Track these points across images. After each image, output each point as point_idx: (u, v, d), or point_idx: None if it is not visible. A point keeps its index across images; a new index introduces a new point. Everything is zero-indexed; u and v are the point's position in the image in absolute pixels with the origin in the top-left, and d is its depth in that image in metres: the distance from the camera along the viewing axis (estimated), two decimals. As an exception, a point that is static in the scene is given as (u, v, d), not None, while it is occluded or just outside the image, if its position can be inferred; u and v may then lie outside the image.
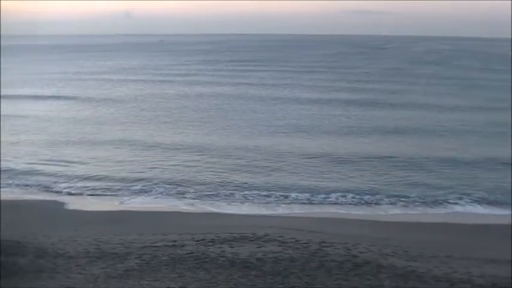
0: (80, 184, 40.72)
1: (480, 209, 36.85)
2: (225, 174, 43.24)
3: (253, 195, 38.28)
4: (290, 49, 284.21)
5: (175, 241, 25.73)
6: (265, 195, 38.21)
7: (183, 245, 25.00)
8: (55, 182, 40.98)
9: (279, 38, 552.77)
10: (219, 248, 24.82)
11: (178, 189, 39.69)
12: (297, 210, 36.20)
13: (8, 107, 72.84)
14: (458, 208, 36.99)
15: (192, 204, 36.98)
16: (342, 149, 51.43)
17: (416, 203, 37.45)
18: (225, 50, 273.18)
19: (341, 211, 36.17)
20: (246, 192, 38.79)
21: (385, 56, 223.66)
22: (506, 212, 36.27)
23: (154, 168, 45.02)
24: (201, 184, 40.75)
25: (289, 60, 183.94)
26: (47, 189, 39.79)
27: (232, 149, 51.12)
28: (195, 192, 39.10)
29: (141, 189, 39.60)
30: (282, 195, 38.26)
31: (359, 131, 60.05)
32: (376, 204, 37.34)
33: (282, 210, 36.14)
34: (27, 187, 40.23)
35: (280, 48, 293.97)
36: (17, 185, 40.45)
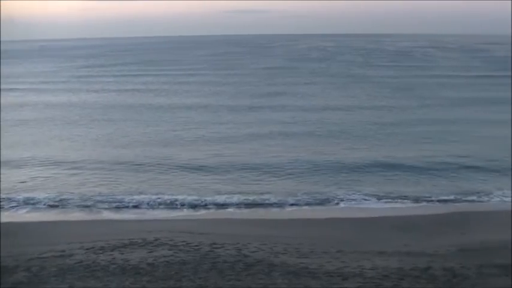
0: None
1: (369, 203, 37.51)
2: (111, 180, 42.59)
3: (142, 200, 37.80)
4: (177, 51, 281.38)
5: (63, 251, 25.14)
6: (153, 200, 37.79)
7: (71, 255, 24.47)
8: None
9: (165, 40, 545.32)
10: (109, 255, 24.42)
11: (63, 197, 38.78)
12: (186, 213, 36.00)
13: None
14: (347, 203, 37.62)
15: (80, 212, 36.26)
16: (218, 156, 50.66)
17: (306, 199, 37.85)
18: (109, 53, 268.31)
19: (230, 211, 36.22)
20: (134, 197, 38.27)
21: (271, 54, 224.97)
22: (395, 205, 37.23)
23: (36, 178, 43.83)
24: (87, 192, 39.95)
25: (174, 63, 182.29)
26: None
27: (114, 157, 50.10)
28: (82, 200, 38.32)
29: (25, 200, 38.41)
30: (170, 199, 37.91)
31: (238, 137, 59.31)
32: (264, 203, 37.45)
33: (171, 213, 35.88)
34: None
35: (166, 50, 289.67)
36: None
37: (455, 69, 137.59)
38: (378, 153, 50.34)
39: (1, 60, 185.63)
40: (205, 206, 37.09)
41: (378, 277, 22.79)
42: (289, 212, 36.06)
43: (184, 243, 26.50)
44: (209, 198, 38.23)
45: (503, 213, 35.43)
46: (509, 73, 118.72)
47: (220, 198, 38.16)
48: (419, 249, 27.26)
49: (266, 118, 69.94)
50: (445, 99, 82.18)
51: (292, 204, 37.19)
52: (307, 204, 37.45)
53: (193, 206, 37.01)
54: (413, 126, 62.29)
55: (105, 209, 36.90)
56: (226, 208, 36.98)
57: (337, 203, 37.66)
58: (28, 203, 37.82)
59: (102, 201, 37.88)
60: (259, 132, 61.64)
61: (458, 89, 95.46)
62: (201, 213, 36.10)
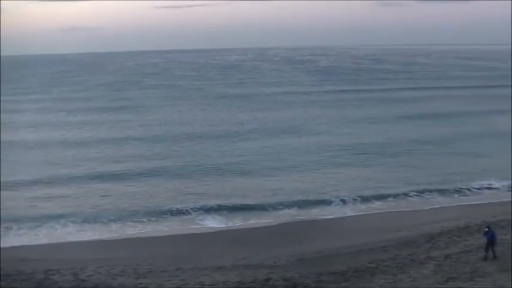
0: None
1: (208, 220, 37.37)
2: None
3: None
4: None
5: None
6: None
7: None
8: None
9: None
10: None
11: None
12: (18, 239, 34.14)
13: None
14: (186, 220, 37.53)
15: None
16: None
17: (143, 219, 37.32)
18: None
19: (65, 235, 34.93)
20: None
21: (105, 72, 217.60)
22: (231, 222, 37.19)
23: None
24: None
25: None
26: None
27: None
28: None
29: None
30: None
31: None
32: (102, 223, 36.57)
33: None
34: None
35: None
36: None
37: (288, 84, 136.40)
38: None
39: None
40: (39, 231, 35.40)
41: (219, 292, 22.90)
42: (126, 232, 35.27)
43: (16, 271, 25.52)
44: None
45: (337, 221, 36.82)
46: (339, 87, 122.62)
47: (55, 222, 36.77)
48: (258, 262, 27.62)
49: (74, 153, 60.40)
50: (279, 121, 78.85)
51: (131, 225, 36.40)
52: (142, 223, 36.84)
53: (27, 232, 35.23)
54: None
55: None
56: (61, 231, 35.49)
57: (175, 219, 37.40)
58: None
59: None
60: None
61: (290, 105, 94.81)
62: (34, 237, 34.47)
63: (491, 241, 25.48)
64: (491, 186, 43.87)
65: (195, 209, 38.80)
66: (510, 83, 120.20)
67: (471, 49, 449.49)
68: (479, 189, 43.33)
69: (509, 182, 44.43)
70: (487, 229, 26.15)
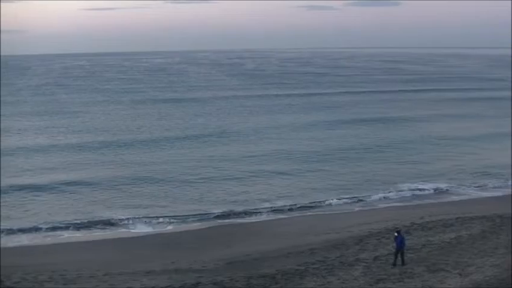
0: None
1: (137, 225, 36.87)
2: None
3: None
4: None
5: None
6: None
7: None
8: None
9: None
10: None
11: None
12: None
13: None
14: (115, 225, 36.86)
15: None
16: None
17: (71, 224, 36.61)
18: None
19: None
20: None
21: (30, 75, 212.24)
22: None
23: None
24: None
25: None
26: None
27: None
28: None
29: None
30: None
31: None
32: (30, 230, 35.72)
33: None
34: None
35: None
36: None
37: (216, 88, 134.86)
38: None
39: None
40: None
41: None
42: (54, 237, 34.65)
43: None
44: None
45: (265, 224, 36.88)
46: (266, 91, 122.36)
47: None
48: (187, 266, 27.53)
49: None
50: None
51: (60, 230, 35.76)
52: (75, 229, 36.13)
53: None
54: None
55: None
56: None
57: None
58: None
59: None
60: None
61: (218, 109, 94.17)
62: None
63: (399, 246, 25.84)
64: (418, 188, 44.51)
65: (124, 215, 38.04)
66: (430, 87, 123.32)
67: (398, 52, 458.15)
68: (407, 191, 43.85)
69: (436, 185, 45.46)
70: (396, 234, 26.44)
